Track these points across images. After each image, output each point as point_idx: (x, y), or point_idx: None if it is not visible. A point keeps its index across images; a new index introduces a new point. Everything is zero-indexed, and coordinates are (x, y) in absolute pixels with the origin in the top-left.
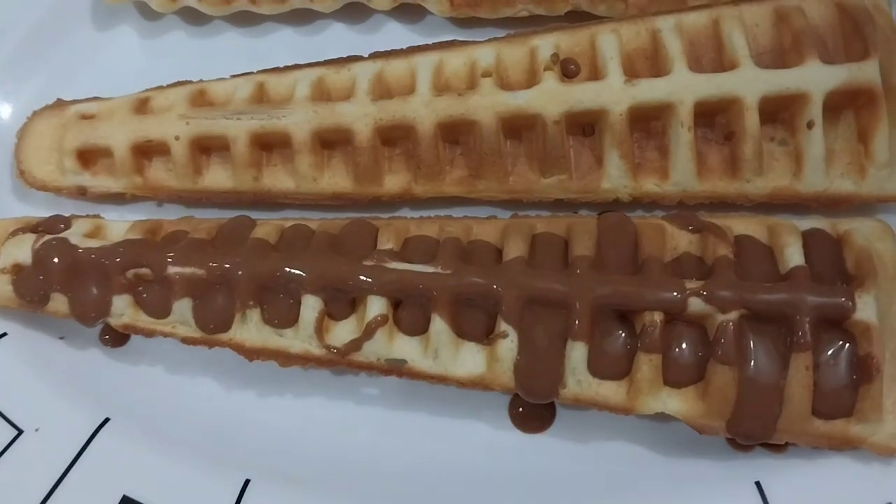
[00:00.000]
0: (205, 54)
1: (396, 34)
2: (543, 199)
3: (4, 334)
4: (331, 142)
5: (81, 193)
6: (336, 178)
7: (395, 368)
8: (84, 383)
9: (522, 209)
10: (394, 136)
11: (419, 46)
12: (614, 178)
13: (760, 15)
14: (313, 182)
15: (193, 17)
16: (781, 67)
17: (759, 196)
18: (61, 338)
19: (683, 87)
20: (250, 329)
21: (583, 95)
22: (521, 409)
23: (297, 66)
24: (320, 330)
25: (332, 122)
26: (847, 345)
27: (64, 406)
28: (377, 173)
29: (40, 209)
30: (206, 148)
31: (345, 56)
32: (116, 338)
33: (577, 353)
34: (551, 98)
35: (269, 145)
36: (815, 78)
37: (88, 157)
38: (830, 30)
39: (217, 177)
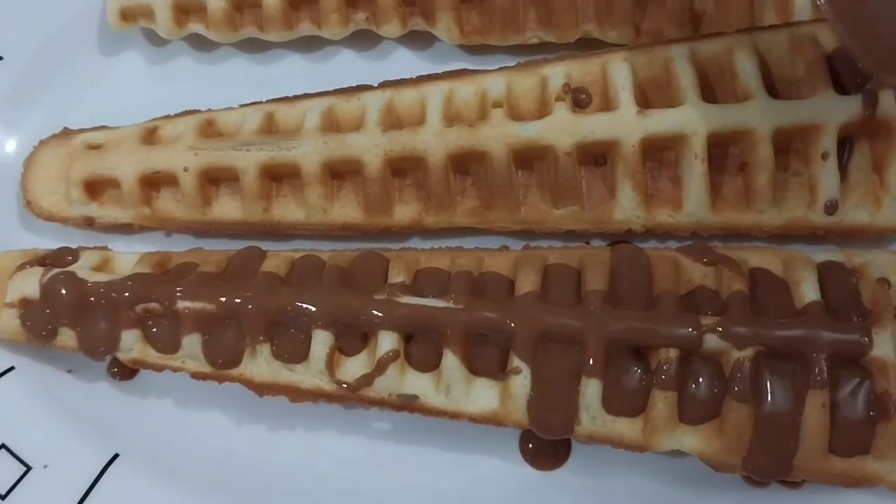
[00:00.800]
0: (213, 81)
1: (406, 61)
2: (555, 230)
3: (12, 368)
4: (341, 172)
5: (89, 224)
6: (346, 209)
7: (407, 404)
8: (93, 418)
9: (534, 239)
10: (404, 167)
11: (429, 75)
12: (627, 209)
13: (774, 44)
14: (323, 213)
15: (201, 44)
16: (795, 97)
17: (773, 227)
18: (69, 371)
19: (696, 118)
20: (260, 364)
21: (594, 126)
22: (531, 445)
23: (306, 96)
24: (331, 365)
25: (341, 154)
26: (864, 382)
27: (73, 442)
28: (387, 204)
29: (48, 239)
30: (216, 179)
31: (354, 85)
32: (125, 371)
33: (591, 389)
34: (563, 129)
35: (279, 176)
36: (828, 109)
37: (96, 187)
38: (845, 59)
39: (226, 208)
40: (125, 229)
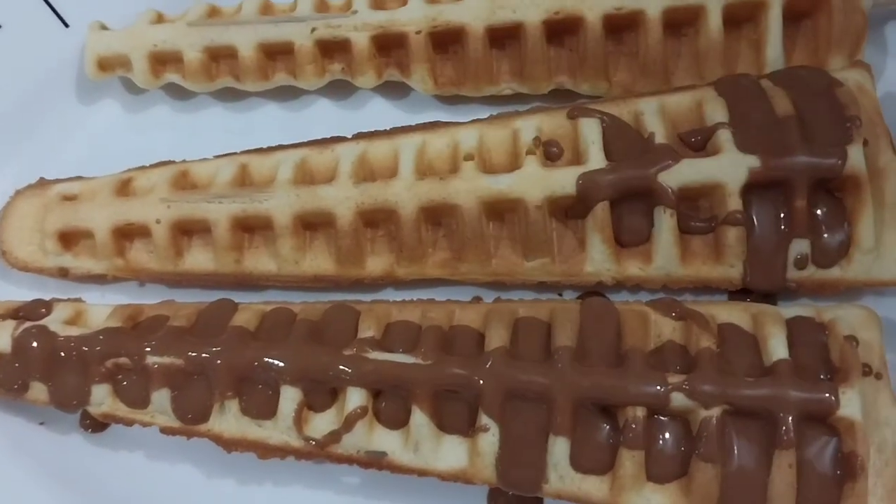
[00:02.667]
0: (189, 129)
1: (381, 110)
2: (527, 281)
3: None
4: (313, 224)
5: (63, 274)
6: (318, 261)
7: (375, 461)
8: (64, 471)
9: (506, 290)
10: (376, 219)
11: (403, 127)
12: (597, 261)
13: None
14: (295, 265)
15: (178, 93)
16: (770, 150)
17: (742, 282)
18: (41, 423)
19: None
20: (229, 420)
21: (564, 181)
22: (500, 502)
23: (280, 147)
24: (299, 421)
25: (313, 206)
26: (831, 440)
27: (44, 496)
28: (359, 256)
29: (23, 288)
30: (188, 230)
31: (329, 136)
32: (96, 424)
33: (558, 447)
34: (533, 183)
35: (251, 228)
36: (799, 166)
37: (70, 238)
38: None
39: (198, 259)
40: (99, 279)
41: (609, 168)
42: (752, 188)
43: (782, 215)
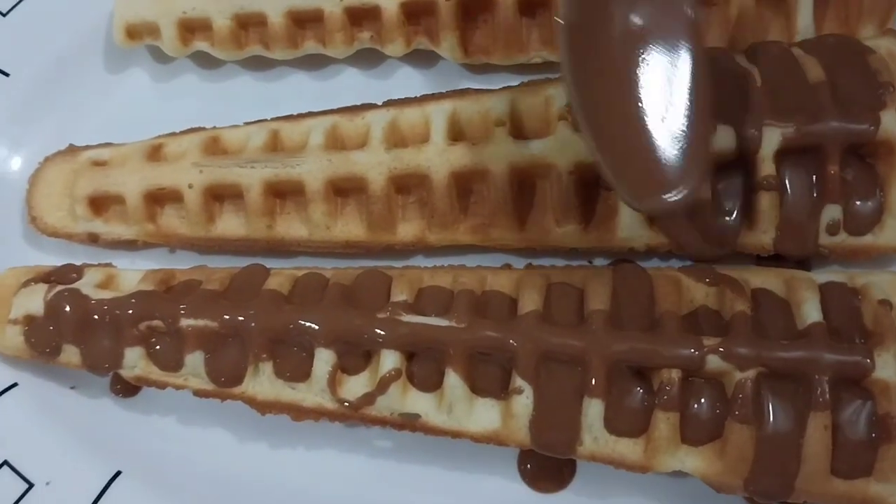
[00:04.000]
0: (218, 98)
1: (410, 80)
2: (558, 248)
3: (15, 384)
4: (344, 190)
5: (93, 240)
6: (349, 227)
7: (409, 423)
8: (95, 434)
9: (537, 257)
10: (408, 185)
11: (433, 95)
12: (629, 227)
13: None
14: (326, 230)
15: (206, 61)
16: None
17: (774, 247)
18: (72, 387)
19: None
20: (262, 382)
21: None
22: (528, 466)
23: (310, 114)
24: (333, 384)
25: (345, 171)
26: (866, 404)
27: (75, 459)
28: (391, 222)
29: (52, 255)
30: (220, 196)
31: (358, 104)
32: (128, 388)
33: (593, 409)
34: (565, 148)
35: (283, 193)
36: (831, 131)
37: (100, 203)
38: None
39: (230, 224)
40: (129, 245)
41: None
42: (785, 154)
43: (815, 181)
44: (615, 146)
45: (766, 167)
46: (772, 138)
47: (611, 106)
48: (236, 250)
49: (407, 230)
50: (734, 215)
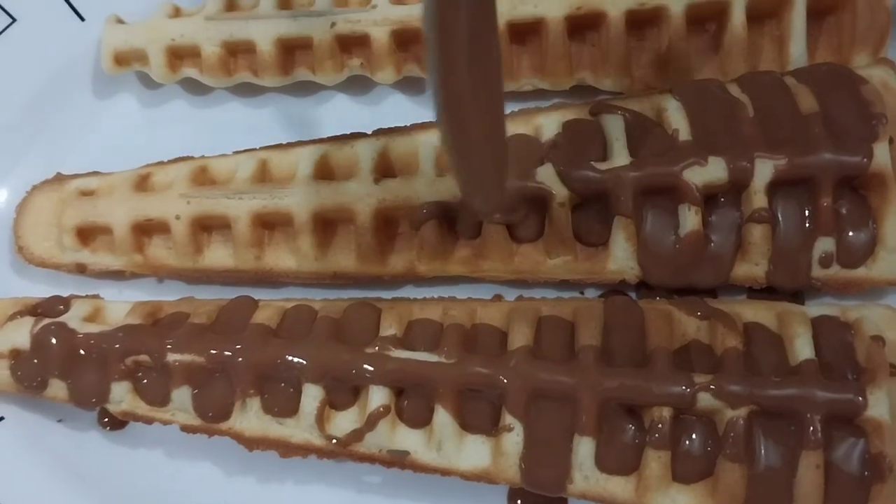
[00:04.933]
0: (206, 124)
1: (400, 106)
2: (549, 279)
3: (2, 418)
4: (333, 221)
5: (81, 270)
6: (338, 258)
7: (398, 460)
8: (83, 469)
9: (528, 288)
10: (397, 216)
11: (423, 123)
12: (620, 259)
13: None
14: (315, 261)
15: (195, 87)
16: (795, 148)
17: (767, 280)
18: (59, 421)
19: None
20: (250, 418)
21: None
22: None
23: (300, 143)
24: (321, 420)
25: (334, 202)
26: (858, 442)
27: (62, 493)
28: (380, 253)
29: (39, 284)
30: (207, 227)
31: (348, 132)
32: (115, 422)
33: (584, 447)
34: (556, 180)
35: (271, 224)
36: (824, 163)
37: (88, 234)
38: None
39: (218, 255)
40: (117, 275)
41: (633, 164)
42: (778, 186)
43: (807, 214)
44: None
45: (758, 200)
46: (764, 170)
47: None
48: (224, 281)
49: (397, 261)
50: (726, 247)
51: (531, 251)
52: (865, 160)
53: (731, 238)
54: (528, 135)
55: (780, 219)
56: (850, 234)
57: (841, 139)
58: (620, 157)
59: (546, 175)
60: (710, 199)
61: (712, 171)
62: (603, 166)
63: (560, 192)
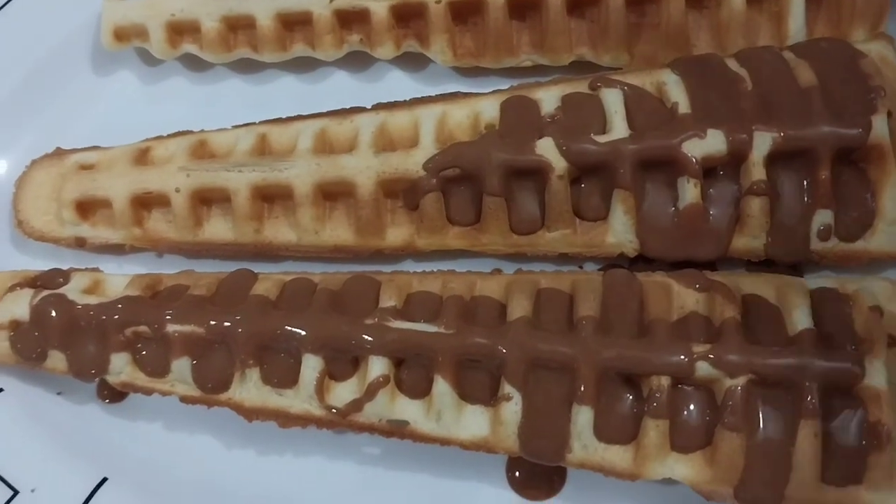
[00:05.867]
0: (206, 101)
1: (399, 83)
2: (548, 253)
3: (1, 390)
4: (333, 194)
5: (80, 244)
6: (338, 231)
7: (397, 430)
8: (82, 441)
9: (527, 262)
10: (396, 189)
11: (422, 98)
12: (619, 232)
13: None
14: (315, 235)
15: (195, 64)
16: (794, 120)
17: (765, 252)
18: (59, 393)
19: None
20: (249, 389)
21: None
22: (517, 473)
23: (299, 117)
24: (321, 390)
25: (334, 175)
26: (856, 411)
27: (61, 465)
28: (379, 226)
29: (39, 259)
30: (207, 200)
31: (347, 107)
32: (114, 394)
33: (582, 417)
34: (555, 152)
35: (271, 197)
36: (822, 135)
37: (87, 207)
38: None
39: (217, 229)
40: (116, 250)
41: (632, 137)
42: (776, 158)
43: (806, 186)
44: None
45: (757, 172)
46: (762, 143)
47: None
48: (224, 255)
49: (396, 235)
50: (725, 220)
51: None
52: (863, 132)
53: (729, 211)
54: (528, 104)
55: (779, 191)
56: (849, 206)
57: (839, 112)
58: (619, 129)
59: (545, 148)
60: (708, 172)
61: (711, 143)
62: (602, 139)
63: (559, 164)
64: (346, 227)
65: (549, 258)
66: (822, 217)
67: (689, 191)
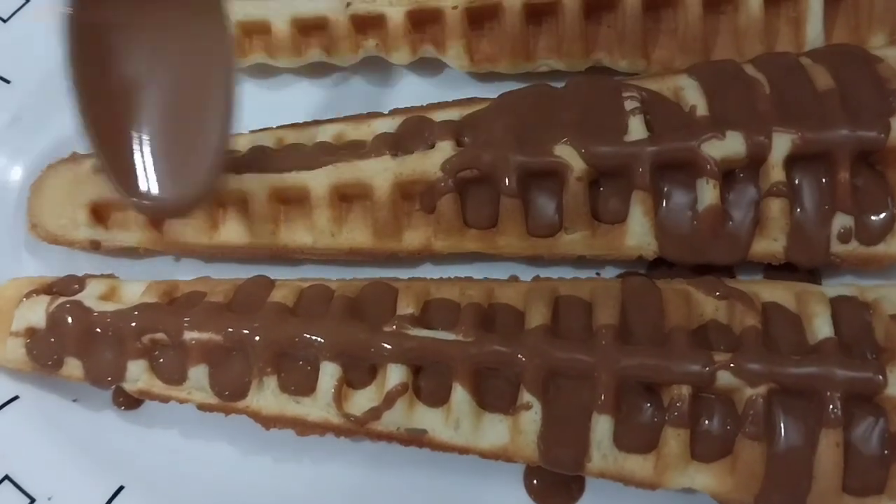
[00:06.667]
0: None
1: (415, 88)
2: (566, 256)
3: (17, 397)
4: (350, 196)
5: (95, 247)
6: (354, 234)
7: (416, 438)
8: (98, 448)
9: (544, 266)
10: (413, 191)
11: (438, 103)
12: (638, 235)
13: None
14: (331, 237)
15: None
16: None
17: (785, 255)
18: (75, 400)
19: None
20: (267, 396)
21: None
22: (535, 482)
23: (316, 122)
24: (339, 398)
25: (351, 177)
26: (878, 420)
27: (77, 473)
28: (396, 229)
29: (53, 264)
30: (223, 202)
31: (364, 112)
32: (130, 401)
33: (602, 426)
34: (573, 154)
35: (287, 200)
36: (841, 138)
37: (102, 211)
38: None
39: (233, 232)
40: (131, 253)
41: (651, 138)
42: (795, 161)
43: (825, 189)
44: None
45: (776, 174)
46: (781, 145)
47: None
48: (240, 258)
49: (413, 237)
50: (745, 222)
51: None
52: (882, 135)
53: (749, 213)
54: (545, 103)
55: (799, 194)
56: (869, 210)
57: (858, 114)
58: (638, 131)
59: (563, 149)
60: (727, 174)
61: (730, 145)
62: (621, 141)
63: (577, 166)
64: (362, 229)
65: (566, 261)
66: (842, 220)
67: (709, 192)
